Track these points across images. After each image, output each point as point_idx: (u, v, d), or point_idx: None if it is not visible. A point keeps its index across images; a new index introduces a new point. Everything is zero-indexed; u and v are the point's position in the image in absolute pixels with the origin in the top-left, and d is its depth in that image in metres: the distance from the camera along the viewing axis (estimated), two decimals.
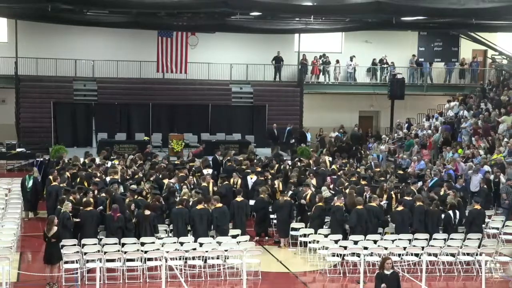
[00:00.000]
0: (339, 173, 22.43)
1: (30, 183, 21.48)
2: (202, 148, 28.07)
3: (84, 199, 17.22)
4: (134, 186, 18.66)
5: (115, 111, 33.71)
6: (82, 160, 24.03)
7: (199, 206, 17.37)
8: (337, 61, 36.99)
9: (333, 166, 24.04)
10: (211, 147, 28.72)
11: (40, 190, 21.68)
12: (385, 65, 37.14)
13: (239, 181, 20.93)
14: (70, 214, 16.36)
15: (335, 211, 17.89)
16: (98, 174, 20.99)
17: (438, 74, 38.22)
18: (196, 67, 35.46)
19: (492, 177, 22.29)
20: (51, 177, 20.72)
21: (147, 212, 16.86)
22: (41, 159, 24.53)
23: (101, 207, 17.31)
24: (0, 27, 34.63)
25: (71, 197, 17.65)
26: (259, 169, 22.58)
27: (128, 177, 20.98)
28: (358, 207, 17.69)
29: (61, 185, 19.72)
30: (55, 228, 15.07)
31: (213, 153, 25.84)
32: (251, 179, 21.48)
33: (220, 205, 17.76)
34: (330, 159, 25.79)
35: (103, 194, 18.12)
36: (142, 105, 33.91)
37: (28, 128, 33.04)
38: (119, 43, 35.13)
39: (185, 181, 20.13)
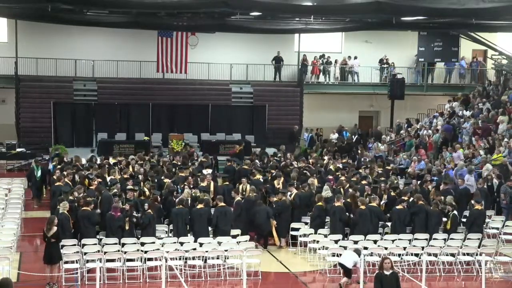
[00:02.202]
0: (338, 174, 22.38)
1: (39, 173, 23.16)
2: (239, 148, 27.86)
3: (83, 199, 17.22)
4: (130, 187, 18.56)
5: (115, 111, 33.71)
6: (84, 160, 24.16)
7: (199, 206, 17.38)
8: (336, 61, 37.01)
9: (331, 167, 24.00)
10: (210, 147, 28.74)
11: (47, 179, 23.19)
12: (386, 65, 37.16)
13: (248, 187, 20.16)
14: (69, 216, 16.34)
15: (335, 211, 17.90)
16: (102, 174, 21.07)
17: (438, 74, 38.25)
18: (196, 67, 35.47)
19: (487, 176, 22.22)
20: (55, 176, 20.86)
21: (152, 212, 16.90)
22: (58, 152, 25.55)
23: (98, 210, 17.31)
24: (0, 27, 34.64)
25: (71, 197, 17.67)
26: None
27: (128, 177, 20.95)
28: (361, 207, 17.71)
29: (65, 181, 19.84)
30: (54, 228, 15.07)
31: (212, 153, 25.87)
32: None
33: (223, 204, 17.77)
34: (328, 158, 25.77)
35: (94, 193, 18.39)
36: (142, 105, 33.91)
37: (28, 128, 33.05)
38: (119, 43, 35.14)
39: (185, 182, 20.10)
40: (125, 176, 20.89)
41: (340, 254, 16.65)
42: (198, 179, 20.83)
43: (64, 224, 15.96)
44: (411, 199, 18.60)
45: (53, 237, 15.01)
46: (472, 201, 18.82)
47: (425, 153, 27.34)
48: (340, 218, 17.87)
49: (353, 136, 33.25)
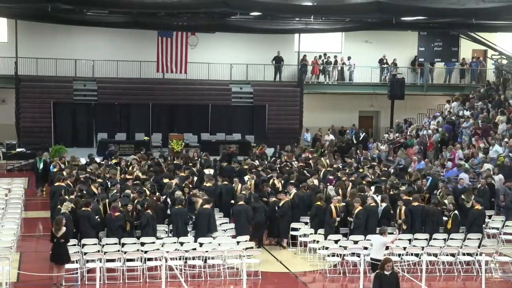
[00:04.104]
0: (338, 174, 22.39)
1: (41, 165, 24.21)
2: (264, 148, 28.26)
3: (83, 199, 17.22)
4: (128, 191, 18.47)
5: (115, 111, 33.73)
6: (84, 161, 24.17)
7: (205, 206, 17.45)
8: (336, 62, 37.01)
9: (334, 166, 24.03)
10: (211, 147, 28.76)
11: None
12: (387, 65, 37.14)
13: (239, 186, 20.36)
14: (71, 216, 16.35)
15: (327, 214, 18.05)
16: (102, 174, 21.08)
17: (438, 74, 38.25)
18: (196, 67, 35.47)
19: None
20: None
21: (151, 213, 16.90)
22: (112, 148, 26.61)
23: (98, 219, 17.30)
24: (0, 27, 34.63)
25: (71, 196, 17.68)
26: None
27: (128, 177, 20.93)
28: (359, 207, 17.75)
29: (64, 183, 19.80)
30: (63, 229, 15.02)
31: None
32: (249, 179, 21.45)
33: (242, 203, 17.99)
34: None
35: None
36: (142, 105, 33.93)
37: (28, 128, 33.07)
38: (119, 43, 35.14)
39: (186, 182, 20.09)
40: (128, 176, 20.86)
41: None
42: (204, 178, 20.76)
43: (67, 225, 15.96)
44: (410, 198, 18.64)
45: (61, 237, 15.00)
46: (463, 196, 18.95)
47: (414, 153, 27.43)
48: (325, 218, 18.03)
49: (360, 134, 33.34)
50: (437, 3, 23.49)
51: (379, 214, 18.07)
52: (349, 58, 36.90)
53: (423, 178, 21.61)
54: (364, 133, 33.68)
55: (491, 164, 23.63)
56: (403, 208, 17.97)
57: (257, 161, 24.74)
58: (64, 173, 20.96)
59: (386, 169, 23.79)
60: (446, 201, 18.54)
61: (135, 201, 17.51)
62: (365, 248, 16.65)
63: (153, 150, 29.36)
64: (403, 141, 30.65)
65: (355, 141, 32.18)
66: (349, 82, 37.33)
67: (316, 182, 20.85)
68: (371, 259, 15.18)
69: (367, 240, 16.87)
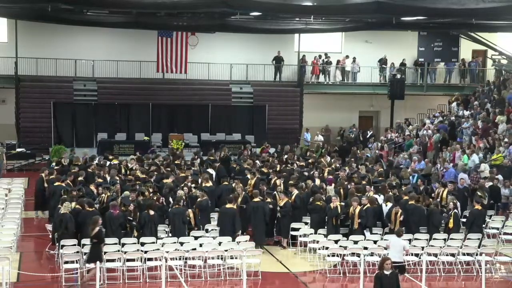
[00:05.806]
0: (339, 173, 22.40)
1: None
2: (268, 148, 28.36)
3: (85, 199, 17.22)
4: (127, 193, 18.42)
5: (115, 111, 33.72)
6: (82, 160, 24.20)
7: (228, 206, 17.59)
8: (338, 62, 37.00)
9: (333, 166, 24.03)
10: (211, 147, 28.75)
11: None
12: (390, 65, 37.12)
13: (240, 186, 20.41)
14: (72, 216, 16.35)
15: (328, 211, 18.09)
16: (102, 174, 21.11)
17: (438, 74, 38.23)
18: (196, 67, 35.46)
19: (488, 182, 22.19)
20: (46, 176, 20.89)
21: (151, 213, 16.88)
22: (154, 148, 27.76)
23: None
24: (0, 27, 34.63)
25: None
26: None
27: (129, 177, 20.92)
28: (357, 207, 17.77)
29: (63, 183, 19.82)
30: (96, 229, 15.02)
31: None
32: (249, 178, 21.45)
33: (257, 199, 18.09)
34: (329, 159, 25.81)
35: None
36: (142, 105, 33.91)
37: (28, 128, 33.04)
38: (119, 43, 35.12)
39: (184, 182, 20.09)
40: (129, 177, 20.85)
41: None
42: (202, 179, 20.78)
43: (69, 225, 15.98)
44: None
45: (94, 237, 14.98)
46: (478, 192, 19.16)
47: (385, 156, 27.53)
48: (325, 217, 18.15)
49: (368, 132, 33.39)
50: (437, 3, 23.48)
51: (383, 214, 18.13)
52: (354, 59, 36.88)
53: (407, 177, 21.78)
54: (371, 132, 33.77)
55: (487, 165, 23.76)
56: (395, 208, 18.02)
57: (258, 161, 24.76)
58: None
59: (382, 169, 23.79)
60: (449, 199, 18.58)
61: (135, 201, 17.49)
62: (365, 248, 16.70)
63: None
64: (394, 145, 30.73)
65: (361, 139, 32.26)
66: (349, 82, 37.31)
67: (318, 181, 20.85)
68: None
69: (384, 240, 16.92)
